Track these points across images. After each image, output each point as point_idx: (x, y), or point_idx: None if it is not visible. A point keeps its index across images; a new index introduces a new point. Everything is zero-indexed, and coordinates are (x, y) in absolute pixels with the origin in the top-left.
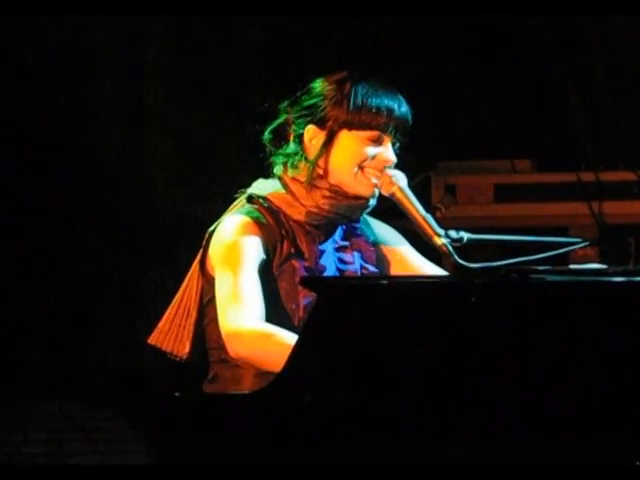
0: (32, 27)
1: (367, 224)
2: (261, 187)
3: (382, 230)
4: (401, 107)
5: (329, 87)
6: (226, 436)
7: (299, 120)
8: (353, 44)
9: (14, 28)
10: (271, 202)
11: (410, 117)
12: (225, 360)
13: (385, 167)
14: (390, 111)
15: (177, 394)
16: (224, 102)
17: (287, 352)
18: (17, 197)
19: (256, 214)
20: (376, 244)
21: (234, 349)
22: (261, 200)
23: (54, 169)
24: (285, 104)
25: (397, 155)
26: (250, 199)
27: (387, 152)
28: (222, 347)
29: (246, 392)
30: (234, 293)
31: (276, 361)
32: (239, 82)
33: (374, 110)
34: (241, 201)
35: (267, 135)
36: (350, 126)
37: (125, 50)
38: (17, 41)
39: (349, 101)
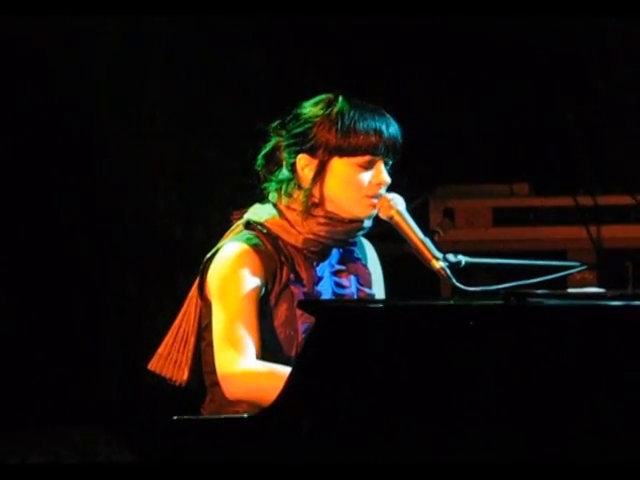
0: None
1: (361, 246)
2: (258, 213)
3: (371, 253)
4: (390, 127)
5: (316, 113)
6: (225, 459)
7: (289, 148)
8: (352, 64)
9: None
10: (269, 228)
11: (400, 135)
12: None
13: (380, 189)
14: (379, 132)
15: (175, 417)
16: (224, 126)
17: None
18: (21, 223)
19: (255, 241)
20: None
21: (229, 391)
22: (259, 227)
23: (52, 194)
24: (276, 125)
25: (392, 175)
26: (248, 225)
27: (380, 175)
28: None
29: (244, 415)
30: (229, 332)
31: (273, 397)
32: (239, 105)
33: (363, 133)
34: (238, 226)
35: (260, 161)
36: (341, 152)
37: (124, 74)
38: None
39: (337, 127)
